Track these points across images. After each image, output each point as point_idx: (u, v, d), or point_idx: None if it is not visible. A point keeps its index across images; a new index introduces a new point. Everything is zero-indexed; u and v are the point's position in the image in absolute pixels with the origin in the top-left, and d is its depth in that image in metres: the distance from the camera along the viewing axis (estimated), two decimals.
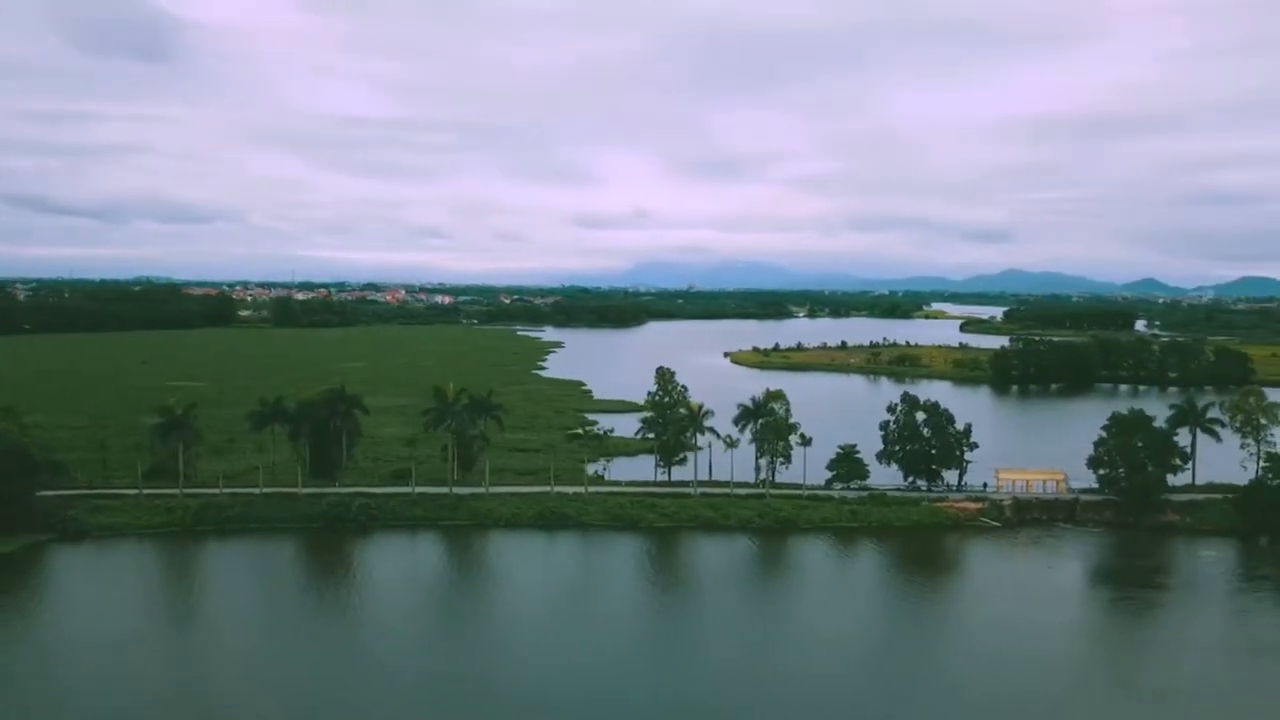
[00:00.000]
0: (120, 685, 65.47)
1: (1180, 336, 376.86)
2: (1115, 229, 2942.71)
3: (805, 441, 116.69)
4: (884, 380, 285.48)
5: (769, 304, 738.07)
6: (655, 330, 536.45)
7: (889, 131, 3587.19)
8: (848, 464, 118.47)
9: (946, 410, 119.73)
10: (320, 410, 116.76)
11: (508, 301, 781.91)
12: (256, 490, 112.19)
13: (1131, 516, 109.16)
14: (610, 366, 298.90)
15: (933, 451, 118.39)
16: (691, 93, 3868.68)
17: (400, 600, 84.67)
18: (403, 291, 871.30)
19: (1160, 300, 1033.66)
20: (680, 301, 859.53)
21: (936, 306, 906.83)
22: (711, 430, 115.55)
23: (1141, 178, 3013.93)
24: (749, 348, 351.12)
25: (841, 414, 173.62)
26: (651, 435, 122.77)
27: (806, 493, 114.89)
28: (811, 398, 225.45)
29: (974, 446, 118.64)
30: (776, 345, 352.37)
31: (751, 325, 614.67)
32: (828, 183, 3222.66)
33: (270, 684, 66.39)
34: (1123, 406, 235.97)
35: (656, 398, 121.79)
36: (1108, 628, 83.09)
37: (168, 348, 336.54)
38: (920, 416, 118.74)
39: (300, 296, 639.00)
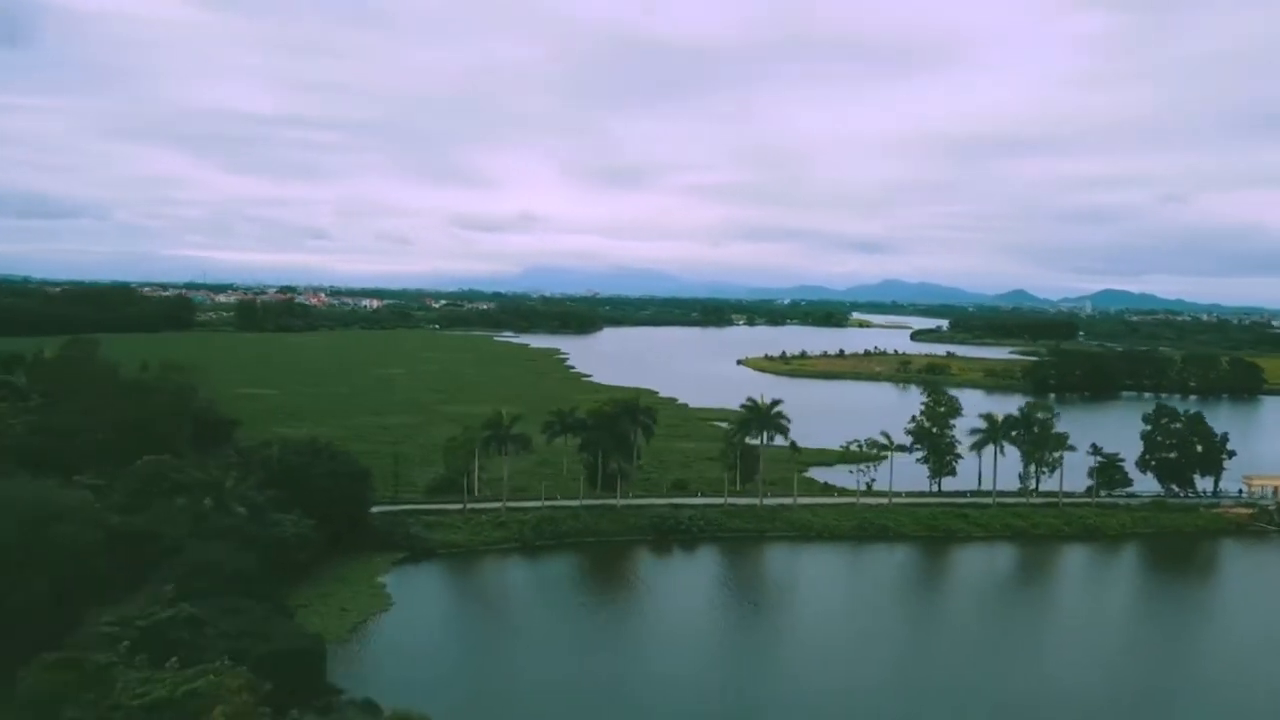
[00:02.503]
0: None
1: (1120, 347, 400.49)
2: (986, 243, 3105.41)
3: (1069, 448, 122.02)
4: (913, 388, 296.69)
5: (711, 311, 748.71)
6: (624, 336, 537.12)
7: (777, 145, 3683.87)
8: (1111, 471, 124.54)
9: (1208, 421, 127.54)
10: (621, 421, 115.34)
11: (436, 305, 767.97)
12: (576, 503, 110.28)
13: None
14: (644, 373, 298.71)
15: (1184, 459, 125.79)
16: (590, 100, 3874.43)
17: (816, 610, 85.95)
18: (323, 294, 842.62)
19: (1051, 310, 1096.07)
20: (607, 308, 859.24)
21: (856, 316, 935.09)
22: (1012, 441, 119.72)
23: (1011, 195, 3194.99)
24: (759, 356, 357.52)
25: None
26: (918, 446, 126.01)
27: (1095, 500, 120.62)
28: (875, 405, 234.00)
29: (1232, 454, 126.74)
30: (784, 353, 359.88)
31: (695, 332, 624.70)
32: (718, 193, 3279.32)
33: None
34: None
35: (930, 408, 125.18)
36: None
37: (158, 351, 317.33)
38: (1175, 426, 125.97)
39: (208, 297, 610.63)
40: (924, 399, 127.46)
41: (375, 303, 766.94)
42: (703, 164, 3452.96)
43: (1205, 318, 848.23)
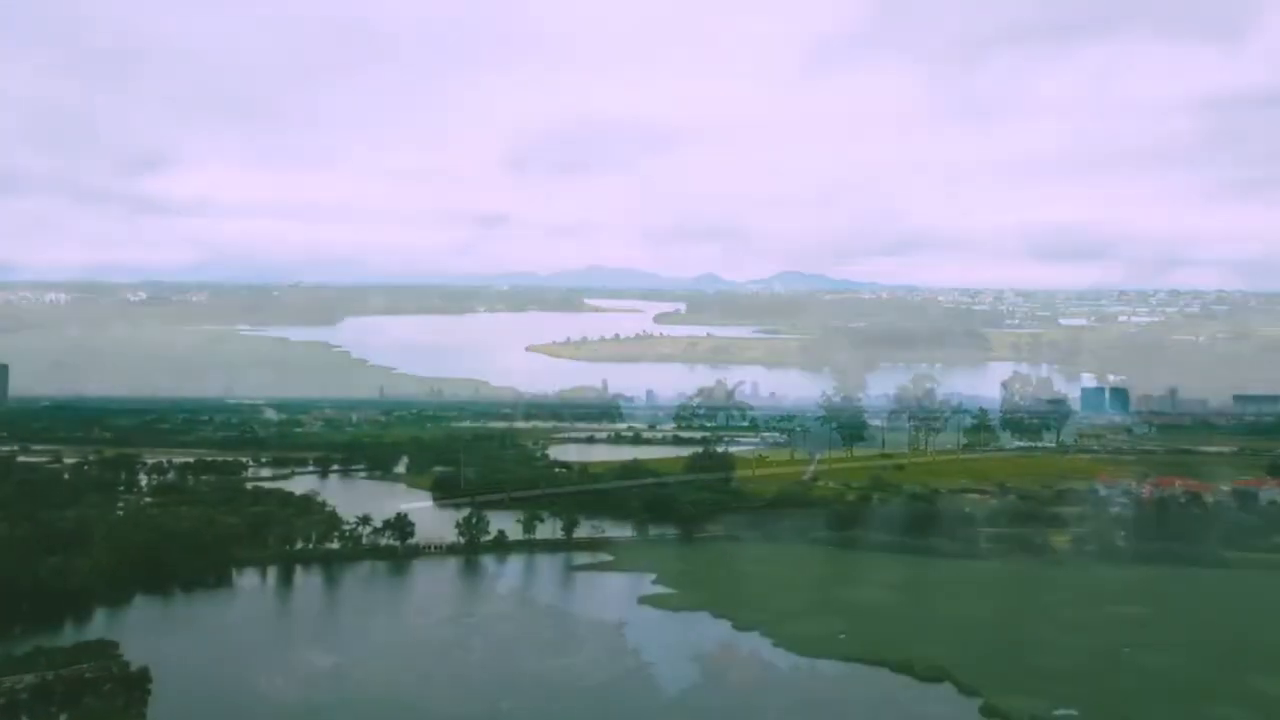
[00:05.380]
0: None
1: None
2: (680, 228, 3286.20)
3: (964, 412, 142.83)
4: (700, 367, 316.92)
5: (452, 299, 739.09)
6: (374, 327, 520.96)
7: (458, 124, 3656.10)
8: (984, 431, 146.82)
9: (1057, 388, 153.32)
10: None
11: (134, 299, 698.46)
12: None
13: None
14: (448, 362, 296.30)
15: (1034, 417, 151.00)
16: (269, 76, 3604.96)
17: None
18: None
19: (743, 292, 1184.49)
20: (332, 295, 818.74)
21: (589, 301, 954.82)
22: (914, 409, 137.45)
23: (701, 184, 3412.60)
24: (546, 343, 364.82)
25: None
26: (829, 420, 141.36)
27: (981, 454, 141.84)
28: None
29: (1073, 412, 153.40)
30: (568, 339, 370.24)
31: (443, 320, 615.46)
32: (414, 175, 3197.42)
33: None
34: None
35: (836, 390, 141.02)
36: None
37: None
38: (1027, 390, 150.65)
39: None
40: (834, 381, 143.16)
41: (61, 296, 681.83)
42: (398, 145, 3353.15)
43: (885, 296, 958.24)
